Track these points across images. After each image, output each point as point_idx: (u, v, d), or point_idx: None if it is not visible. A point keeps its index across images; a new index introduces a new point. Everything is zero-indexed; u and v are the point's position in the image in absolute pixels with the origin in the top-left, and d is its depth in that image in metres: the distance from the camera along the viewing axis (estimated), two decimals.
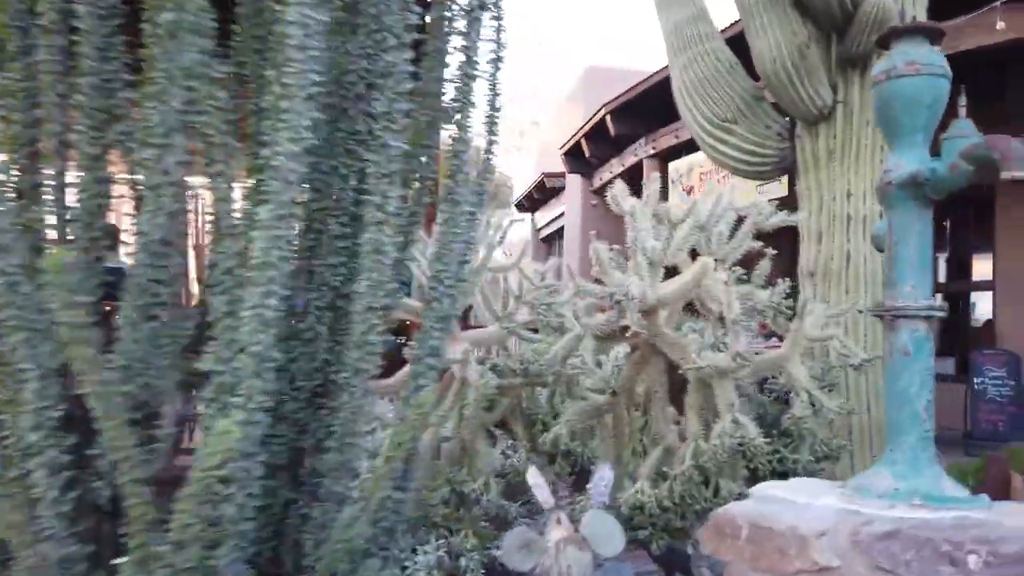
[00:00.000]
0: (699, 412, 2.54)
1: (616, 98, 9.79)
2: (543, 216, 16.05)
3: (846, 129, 3.63)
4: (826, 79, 3.64)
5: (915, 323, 1.63)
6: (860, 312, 3.31)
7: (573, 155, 12.19)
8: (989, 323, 8.26)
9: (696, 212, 2.66)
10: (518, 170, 19.46)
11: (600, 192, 11.90)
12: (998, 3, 4.80)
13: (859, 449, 3.50)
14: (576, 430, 2.87)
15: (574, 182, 13.02)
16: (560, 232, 14.55)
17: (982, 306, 8.49)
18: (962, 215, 9.01)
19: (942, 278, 9.30)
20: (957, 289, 9.16)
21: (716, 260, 2.78)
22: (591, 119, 10.74)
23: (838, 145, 3.66)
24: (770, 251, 2.93)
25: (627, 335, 2.68)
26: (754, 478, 2.63)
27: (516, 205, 16.64)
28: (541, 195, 14.85)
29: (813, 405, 2.52)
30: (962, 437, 6.70)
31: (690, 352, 2.54)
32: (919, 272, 1.68)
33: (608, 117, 10.09)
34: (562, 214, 14.14)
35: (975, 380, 6.65)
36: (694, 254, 2.86)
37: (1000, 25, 4.84)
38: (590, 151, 11.37)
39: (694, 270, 2.53)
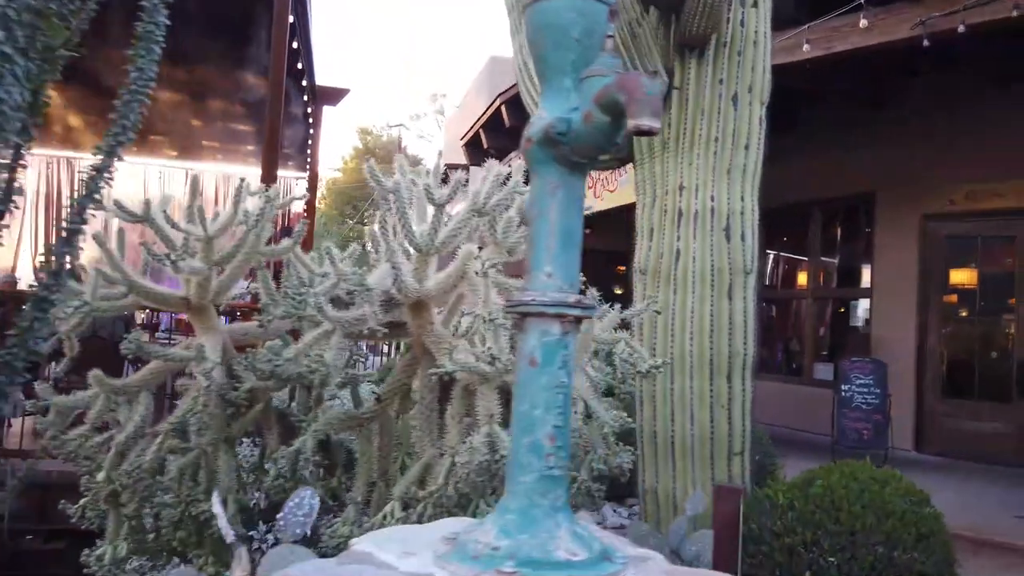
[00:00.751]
0: (460, 423, 2.20)
1: (510, 88, 9.48)
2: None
3: (681, 117, 3.37)
4: (661, 62, 3.37)
5: (546, 323, 1.23)
6: (657, 313, 3.05)
7: (473, 146, 11.84)
8: (866, 330, 8.31)
9: (476, 194, 2.32)
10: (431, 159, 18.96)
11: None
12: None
13: (664, 466, 3.25)
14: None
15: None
16: None
17: (863, 313, 8.54)
18: (853, 218, 9.08)
19: (833, 283, 9.37)
20: (843, 295, 9.23)
21: (507, 251, 2.45)
22: (487, 110, 10.41)
23: (672, 135, 3.40)
24: None
25: (393, 331, 2.32)
26: None
27: None
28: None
29: (590, 416, 2.22)
30: (830, 445, 6.66)
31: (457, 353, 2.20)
32: (561, 256, 1.28)
33: (503, 108, 9.78)
34: None
35: (842, 387, 6.61)
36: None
37: (863, 23, 4.71)
38: (488, 142, 11.04)
39: (458, 260, 2.19)
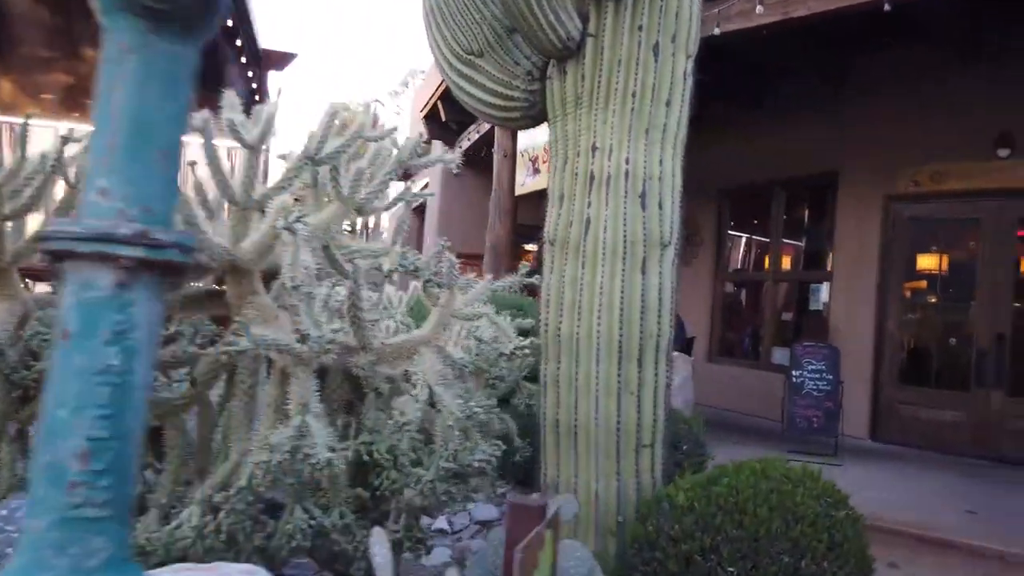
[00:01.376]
0: (277, 412, 1.84)
1: None
2: (415, 185, 15.19)
3: (595, 69, 3.00)
4: (573, 6, 3.00)
5: (86, 268, 0.81)
6: (534, 285, 2.71)
7: (432, 119, 11.41)
8: (824, 314, 8.04)
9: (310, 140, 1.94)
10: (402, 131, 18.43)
11: (467, 164, 11.16)
12: None
13: (566, 457, 2.93)
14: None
15: (437, 149, 12.24)
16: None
17: (824, 297, 8.27)
18: (816, 198, 8.79)
19: (795, 266, 9.09)
20: (804, 278, 8.95)
21: (356, 210, 2.08)
22: (444, 80, 9.96)
23: (586, 89, 3.03)
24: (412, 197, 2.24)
25: (208, 303, 1.95)
26: (376, 498, 1.97)
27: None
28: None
29: (434, 405, 1.87)
30: (780, 432, 6.40)
31: (287, 329, 1.85)
32: (126, 161, 0.85)
33: None
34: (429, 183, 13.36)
35: (793, 373, 6.33)
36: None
37: (759, 9, 4.45)
38: (447, 115, 10.62)
39: (269, 215, 1.82)
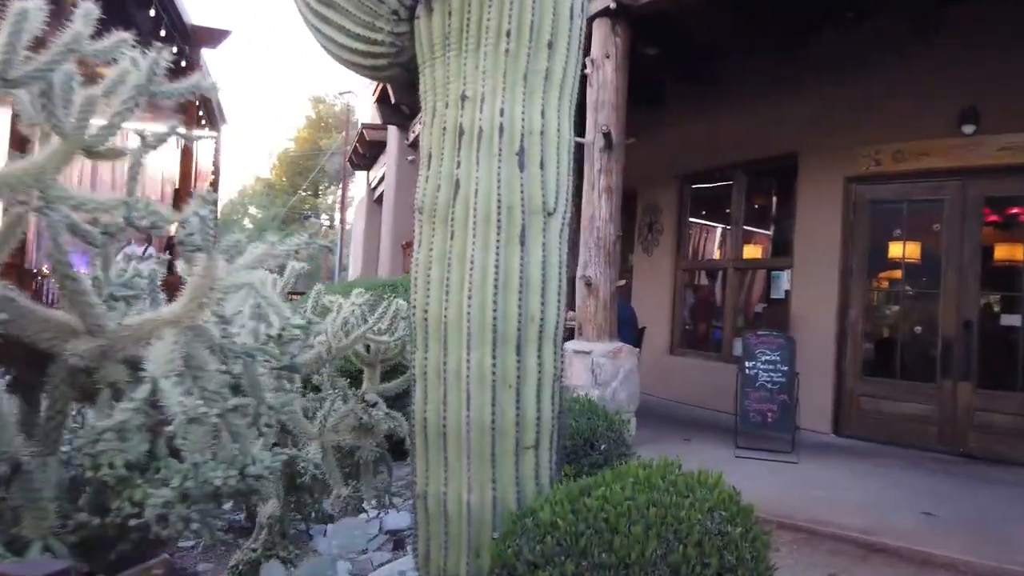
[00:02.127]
0: None
1: None
2: (376, 173, 14.71)
3: (464, 3, 2.54)
4: None
5: None
6: (329, 250, 2.23)
7: (384, 103, 10.92)
8: (786, 303, 7.63)
9: None
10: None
11: (415, 145, 10.71)
12: None
13: (435, 464, 2.47)
14: None
15: (393, 135, 11.76)
16: None
17: (785, 285, 7.85)
18: (777, 181, 8.39)
19: (756, 253, 8.67)
20: (765, 265, 8.54)
21: (85, 150, 1.60)
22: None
23: (454, 27, 2.57)
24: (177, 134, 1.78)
25: None
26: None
27: (349, 161, 15.21)
28: (366, 149, 13.48)
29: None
30: (734, 427, 5.98)
31: None
32: None
33: None
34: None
35: (746, 365, 5.90)
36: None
37: None
38: (396, 96, 10.13)
39: None
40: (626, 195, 10.99)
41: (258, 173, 50.06)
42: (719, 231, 9.14)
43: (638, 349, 6.59)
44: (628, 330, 6.55)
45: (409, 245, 10.82)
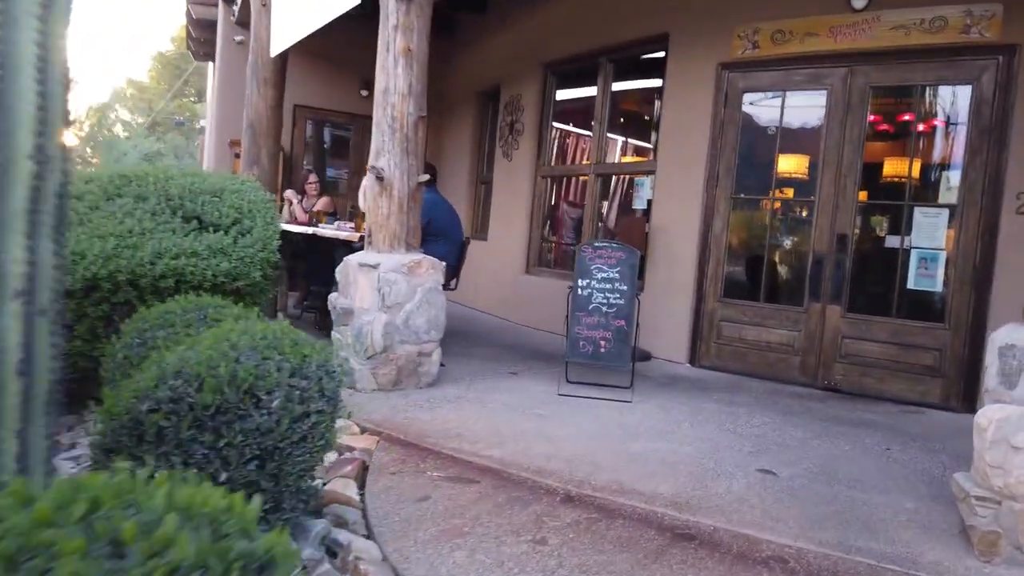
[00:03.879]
0: None
1: None
2: (210, 69, 12.72)
3: None
4: None
5: None
6: None
7: None
8: (646, 215, 6.59)
9: None
10: None
11: (244, 23, 8.95)
12: None
13: None
14: None
15: (222, 13, 9.89)
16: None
17: (648, 194, 6.79)
18: (644, 70, 7.20)
19: (619, 156, 7.56)
20: (627, 171, 7.45)
21: None
22: None
23: None
24: None
25: None
26: None
27: (189, 50, 13.13)
28: (199, 32, 11.49)
29: None
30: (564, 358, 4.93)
31: None
32: None
33: None
34: None
35: (579, 283, 4.82)
36: None
37: None
38: None
39: None
40: (489, 93, 9.66)
41: (132, 75, 45.44)
42: (583, 131, 7.95)
43: (455, 265, 5.41)
44: (444, 242, 5.34)
45: (237, 143, 9.19)
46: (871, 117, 5.39)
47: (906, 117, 5.46)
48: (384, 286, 4.28)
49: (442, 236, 5.28)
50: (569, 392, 4.62)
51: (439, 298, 4.53)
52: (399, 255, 4.41)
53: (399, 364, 4.36)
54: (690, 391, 5.04)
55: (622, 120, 7.61)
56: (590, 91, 7.17)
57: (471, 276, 9.32)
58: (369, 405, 4.01)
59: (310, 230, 5.78)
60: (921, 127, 5.37)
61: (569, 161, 8.28)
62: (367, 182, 4.50)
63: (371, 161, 4.44)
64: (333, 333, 4.59)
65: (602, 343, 4.68)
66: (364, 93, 10.07)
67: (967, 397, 4.92)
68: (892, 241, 5.37)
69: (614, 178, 7.47)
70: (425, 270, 4.44)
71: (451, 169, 10.04)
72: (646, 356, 6.07)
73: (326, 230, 5.61)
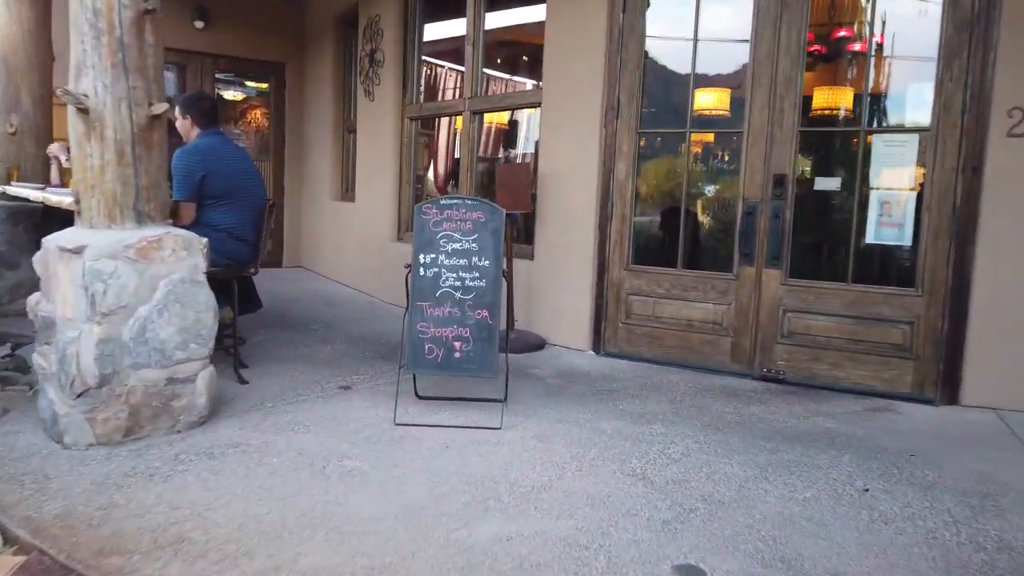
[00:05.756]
0: None
1: None
2: None
3: None
4: None
5: None
6: None
7: None
8: (531, 161, 5.15)
9: None
10: None
11: None
12: None
13: None
14: None
15: None
16: None
17: (532, 133, 5.34)
18: None
19: (500, 88, 6.06)
20: (508, 105, 5.97)
21: None
22: None
23: None
24: None
25: None
26: None
27: None
28: None
29: None
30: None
31: None
32: None
33: None
34: None
35: (420, 260, 3.33)
36: None
37: None
38: None
39: None
40: (347, 17, 7.97)
41: None
42: (456, 59, 6.40)
43: (253, 240, 3.84)
44: (232, 206, 3.74)
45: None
46: (813, 17, 4.05)
47: (857, 16, 4.15)
48: (94, 282, 2.69)
49: (229, 198, 3.69)
50: (412, 419, 3.18)
51: (200, 293, 2.97)
52: (120, 231, 2.82)
53: (132, 401, 2.81)
54: (588, 398, 3.68)
55: (501, 47, 6.09)
56: (460, 7, 5.60)
57: (335, 244, 7.73)
58: (59, 478, 2.47)
59: (37, 196, 4.06)
60: (878, 27, 4.06)
61: (439, 97, 6.71)
62: (69, 122, 2.87)
63: (71, 83, 2.81)
64: (34, 356, 3.00)
65: (457, 344, 3.23)
66: (200, 25, 8.20)
67: (947, 383, 3.73)
68: (843, 182, 4.10)
69: (494, 118, 5.97)
70: (169, 252, 2.87)
71: (315, 119, 8.34)
72: (538, 344, 4.69)
73: (49, 196, 3.88)
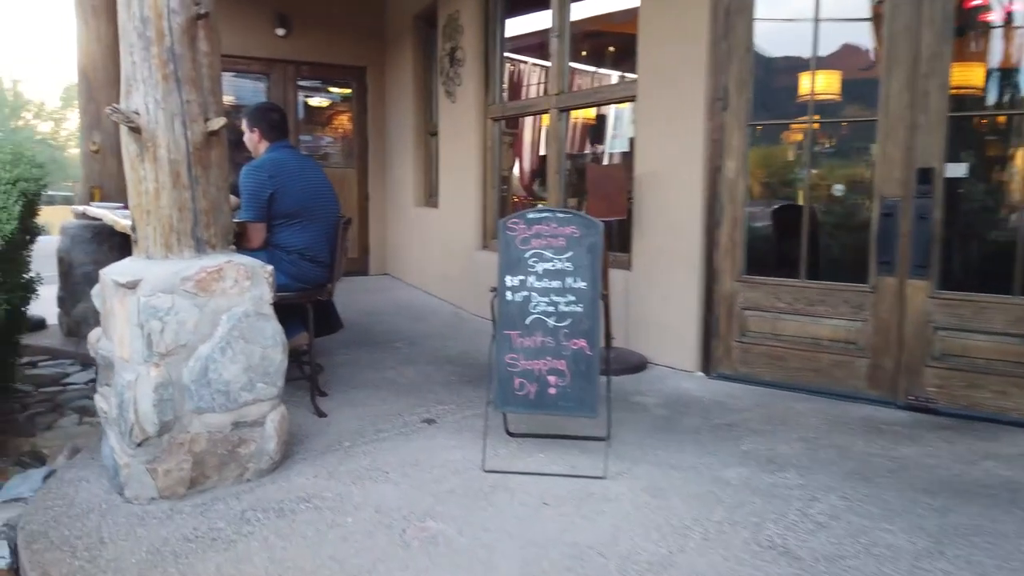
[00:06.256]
0: None
1: None
2: None
3: None
4: None
5: None
6: None
7: None
8: (626, 161, 4.66)
9: None
10: None
11: None
12: None
13: None
14: None
15: None
16: None
17: (626, 130, 4.86)
18: None
19: (588, 83, 5.60)
20: (597, 100, 5.49)
21: None
22: None
23: None
24: None
25: None
26: None
27: None
28: None
29: None
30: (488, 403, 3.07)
31: None
32: None
33: None
34: None
35: (507, 281, 2.93)
36: None
37: None
38: None
39: None
40: (426, 16, 7.67)
41: None
42: (542, 64, 5.98)
43: (327, 261, 3.53)
44: (303, 226, 3.44)
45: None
46: None
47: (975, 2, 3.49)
48: (150, 320, 2.43)
49: (300, 216, 3.40)
50: (503, 464, 2.79)
51: (266, 327, 2.68)
52: (178, 261, 2.55)
53: (196, 450, 2.53)
54: (703, 435, 3.19)
55: (587, 39, 5.63)
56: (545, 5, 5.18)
57: (420, 252, 7.47)
58: (114, 543, 2.20)
59: (108, 218, 3.87)
60: None
61: (525, 96, 6.31)
62: (123, 144, 2.62)
63: (122, 101, 2.56)
64: (96, 398, 2.78)
65: (551, 379, 2.82)
66: (281, 32, 8.10)
67: None
68: (1007, 174, 3.44)
69: (580, 114, 5.52)
70: (231, 283, 2.58)
71: (397, 123, 8.12)
72: (639, 365, 4.23)
73: (118, 219, 3.64)
